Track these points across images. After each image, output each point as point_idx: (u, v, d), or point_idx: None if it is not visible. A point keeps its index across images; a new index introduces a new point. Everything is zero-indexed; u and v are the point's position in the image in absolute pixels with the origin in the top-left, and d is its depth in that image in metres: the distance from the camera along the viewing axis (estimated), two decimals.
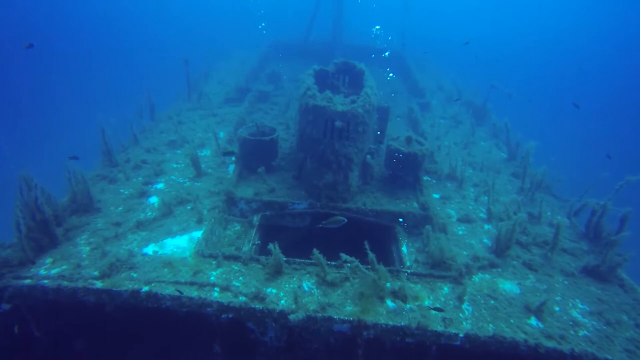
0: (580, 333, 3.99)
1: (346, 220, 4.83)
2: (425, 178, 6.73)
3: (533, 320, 4.05)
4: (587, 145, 22.54)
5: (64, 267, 4.19)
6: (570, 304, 4.42)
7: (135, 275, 4.16)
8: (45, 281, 3.94)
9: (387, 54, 13.89)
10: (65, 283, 3.92)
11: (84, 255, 4.43)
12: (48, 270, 4.12)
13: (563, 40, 36.68)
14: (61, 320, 4.20)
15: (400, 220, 5.76)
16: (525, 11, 40.91)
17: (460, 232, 5.55)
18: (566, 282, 4.80)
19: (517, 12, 41.04)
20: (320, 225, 4.76)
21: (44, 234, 4.43)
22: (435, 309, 3.92)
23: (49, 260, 4.30)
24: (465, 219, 5.84)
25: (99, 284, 3.97)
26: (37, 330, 4.06)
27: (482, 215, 6.02)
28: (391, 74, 11.57)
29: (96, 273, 4.10)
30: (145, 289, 3.93)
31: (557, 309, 4.30)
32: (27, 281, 3.94)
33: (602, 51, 35.50)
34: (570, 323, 4.12)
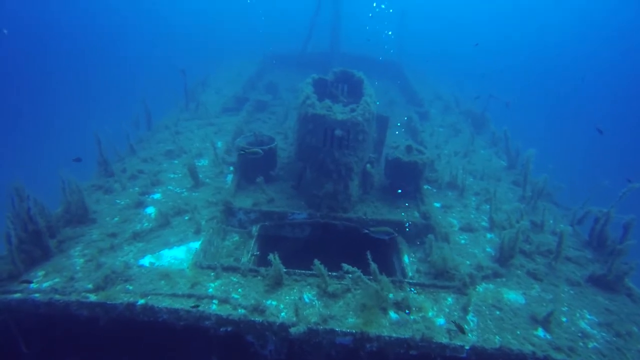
0: (590, 345, 3.88)
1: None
2: (425, 187, 6.67)
3: (540, 332, 3.94)
4: (586, 152, 22.61)
5: (56, 280, 4.05)
6: (578, 315, 4.31)
7: (131, 287, 4.03)
8: (36, 295, 3.80)
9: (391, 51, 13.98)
10: (57, 297, 3.78)
11: (77, 268, 4.30)
12: (39, 284, 3.98)
13: (566, 48, 37.17)
14: (51, 335, 4.04)
15: (406, 225, 5.66)
16: (526, 21, 41.55)
17: (463, 241, 5.46)
18: (572, 292, 4.70)
19: (518, 22, 41.70)
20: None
21: (36, 246, 4.30)
22: (458, 326, 3.74)
23: (40, 273, 4.16)
24: (467, 228, 5.75)
25: (92, 297, 3.83)
26: (25, 347, 3.91)
27: (484, 224, 5.94)
28: (383, 5, 11.36)
29: (90, 286, 3.97)
30: (141, 301, 3.80)
31: (564, 319, 4.19)
32: (17, 295, 3.80)
33: (604, 60, 35.96)
34: (579, 334, 4.00)
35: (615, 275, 4.81)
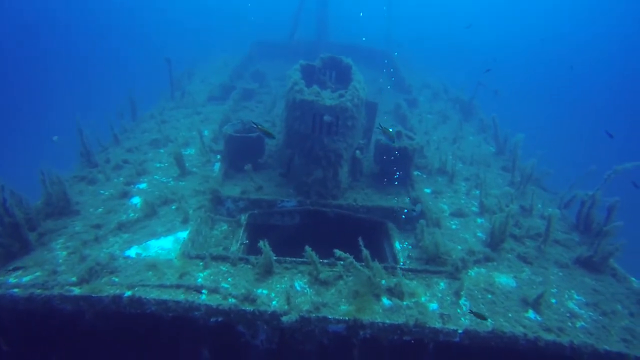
0: (578, 324, 3.93)
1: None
2: (415, 173, 6.65)
3: (531, 314, 3.98)
4: (574, 139, 22.95)
5: (37, 274, 3.89)
6: (566, 296, 4.37)
7: (116, 279, 3.91)
8: (15, 290, 3.65)
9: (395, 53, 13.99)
10: (38, 291, 3.64)
11: (60, 261, 4.14)
12: (19, 278, 3.82)
13: (553, 37, 37.42)
14: (34, 332, 3.90)
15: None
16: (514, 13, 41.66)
17: (454, 227, 5.47)
18: (561, 274, 4.76)
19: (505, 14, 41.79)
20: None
21: (14, 239, 4.11)
22: (478, 315, 3.70)
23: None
24: (458, 213, 5.76)
25: (76, 291, 3.70)
26: (5, 344, 3.76)
27: (474, 209, 5.96)
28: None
29: (74, 279, 3.83)
30: (128, 293, 3.69)
31: (553, 301, 4.24)
32: None
33: (591, 52, 36.37)
34: (567, 315, 4.06)
35: (600, 257, 4.89)
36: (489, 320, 3.77)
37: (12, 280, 3.79)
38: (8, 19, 30.86)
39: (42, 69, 28.35)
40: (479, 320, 3.74)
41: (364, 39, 14.69)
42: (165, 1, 39.94)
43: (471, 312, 3.77)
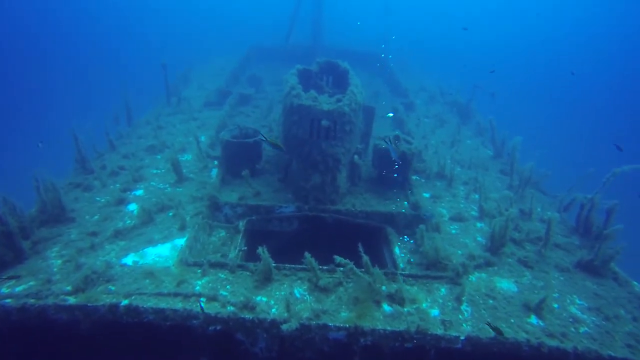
0: (581, 330, 3.89)
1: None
2: (414, 177, 6.62)
3: (533, 319, 3.94)
4: (574, 139, 22.99)
5: (31, 283, 3.82)
6: (568, 300, 4.33)
7: (113, 288, 3.84)
8: (8, 300, 3.56)
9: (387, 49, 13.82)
10: (32, 301, 3.56)
11: (55, 269, 4.07)
12: (12, 288, 3.73)
13: (552, 38, 37.61)
14: (28, 344, 3.81)
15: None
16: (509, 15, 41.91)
17: (454, 231, 5.43)
18: (562, 278, 4.73)
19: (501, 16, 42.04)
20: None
21: (7, 248, 4.04)
22: (495, 329, 3.60)
23: None
24: (457, 218, 5.72)
25: (72, 300, 3.63)
26: None
27: (473, 213, 5.93)
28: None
29: (69, 288, 3.76)
30: (125, 302, 3.62)
31: (555, 305, 4.20)
32: None
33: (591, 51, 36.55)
34: (570, 320, 4.02)
35: (601, 260, 4.86)
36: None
37: (4, 290, 3.71)
38: (8, 20, 30.83)
39: (42, 70, 28.31)
40: (480, 326, 3.69)
41: (359, 23, 14.67)
42: (165, 2, 40.07)
43: (488, 324, 3.69)
